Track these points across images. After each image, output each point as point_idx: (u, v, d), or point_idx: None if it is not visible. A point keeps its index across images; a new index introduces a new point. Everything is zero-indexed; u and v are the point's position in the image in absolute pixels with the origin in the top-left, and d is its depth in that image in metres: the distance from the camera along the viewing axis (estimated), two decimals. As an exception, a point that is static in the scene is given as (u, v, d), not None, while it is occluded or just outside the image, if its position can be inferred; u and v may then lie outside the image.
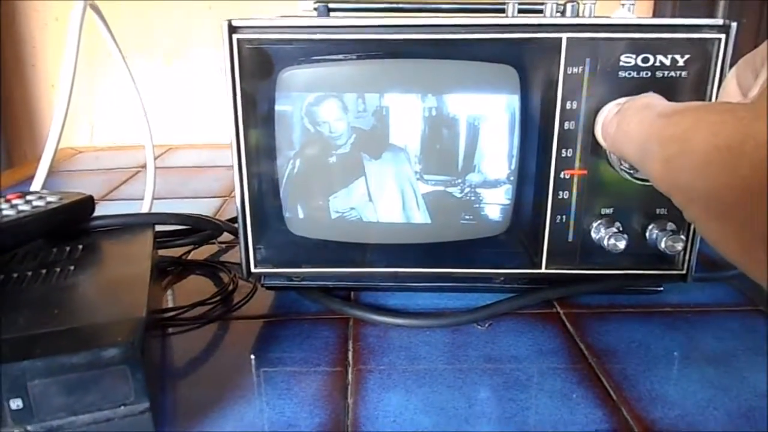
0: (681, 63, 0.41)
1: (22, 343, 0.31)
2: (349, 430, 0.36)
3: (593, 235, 0.44)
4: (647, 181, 0.41)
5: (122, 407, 0.32)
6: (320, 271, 0.48)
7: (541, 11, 0.45)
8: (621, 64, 0.41)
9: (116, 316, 0.35)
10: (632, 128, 0.30)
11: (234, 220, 0.61)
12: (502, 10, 0.46)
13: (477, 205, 0.45)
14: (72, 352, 0.30)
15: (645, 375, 0.41)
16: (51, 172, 0.60)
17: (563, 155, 0.43)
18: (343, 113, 0.43)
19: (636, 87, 0.41)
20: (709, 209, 0.23)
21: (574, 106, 0.42)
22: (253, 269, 0.46)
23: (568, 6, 0.44)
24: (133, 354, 0.31)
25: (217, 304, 0.51)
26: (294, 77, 0.43)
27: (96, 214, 0.53)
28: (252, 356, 0.44)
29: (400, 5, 0.54)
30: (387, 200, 0.45)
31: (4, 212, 0.46)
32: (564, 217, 0.44)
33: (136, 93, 0.69)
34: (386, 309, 0.49)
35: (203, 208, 0.77)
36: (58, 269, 0.42)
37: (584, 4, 0.43)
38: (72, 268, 0.42)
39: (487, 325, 0.48)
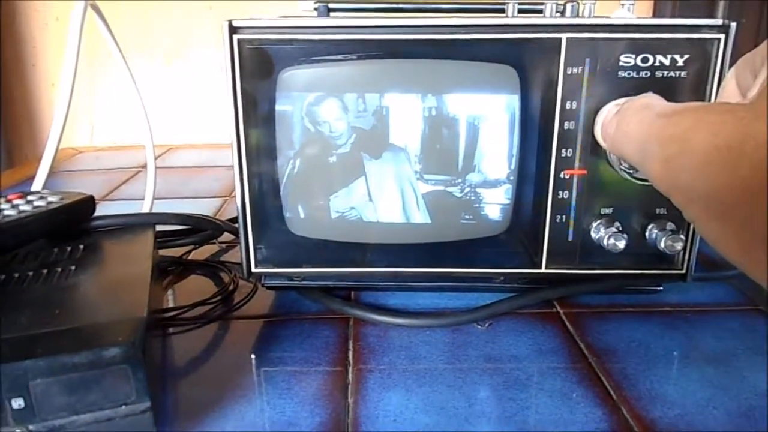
0: (680, 63, 0.41)
1: (24, 343, 0.31)
2: (350, 429, 0.36)
3: (593, 234, 0.44)
4: (647, 180, 0.41)
5: (123, 407, 0.32)
6: (321, 271, 0.48)
7: (541, 11, 0.45)
8: (621, 64, 0.41)
9: (117, 316, 0.35)
10: (632, 128, 0.30)
11: (234, 220, 0.61)
12: (502, 11, 0.46)
13: (477, 205, 0.45)
14: (73, 351, 0.30)
15: (645, 374, 0.41)
16: (51, 172, 0.60)
17: (563, 155, 0.43)
18: (344, 113, 0.43)
19: (635, 87, 0.41)
20: (709, 209, 0.23)
21: (574, 106, 0.42)
22: (253, 269, 0.46)
23: (568, 6, 0.44)
24: (135, 354, 0.31)
25: (217, 303, 0.51)
26: (294, 77, 0.43)
27: (96, 214, 0.53)
28: (252, 356, 0.44)
29: (400, 5, 0.54)
30: (387, 200, 0.45)
31: (6, 212, 0.46)
32: (564, 216, 0.45)
33: (137, 93, 0.69)
34: (386, 309, 0.49)
35: (204, 208, 0.77)
36: (59, 269, 0.42)
37: (584, 4, 0.43)
38: (73, 268, 0.42)
39: (487, 324, 0.48)
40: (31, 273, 0.41)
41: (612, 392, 0.39)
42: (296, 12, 0.51)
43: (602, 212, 0.44)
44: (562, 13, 0.44)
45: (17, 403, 0.30)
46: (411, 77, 0.43)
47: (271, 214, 0.46)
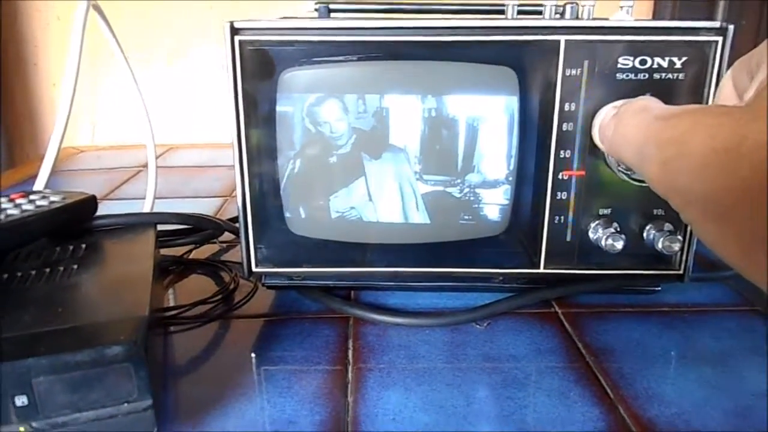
0: (678, 65, 0.41)
1: (27, 341, 0.32)
2: (349, 427, 0.36)
3: (591, 235, 0.45)
4: (645, 182, 0.41)
5: (125, 404, 0.32)
6: (321, 271, 0.48)
7: (540, 12, 0.45)
8: (619, 66, 0.41)
9: (119, 315, 0.36)
10: (629, 131, 0.30)
11: (235, 219, 0.62)
12: (502, 12, 0.46)
13: (476, 206, 0.45)
14: (76, 349, 0.31)
15: (642, 374, 0.42)
16: (53, 171, 0.60)
17: (561, 156, 0.43)
18: (344, 114, 0.43)
19: (634, 89, 0.41)
20: (707, 211, 0.23)
21: (573, 107, 0.42)
22: (254, 268, 0.47)
23: (568, 7, 0.44)
24: (137, 352, 0.31)
25: (218, 303, 0.51)
26: (295, 78, 0.43)
27: (98, 213, 0.53)
28: (253, 355, 0.44)
29: (401, 6, 0.54)
30: (387, 200, 0.45)
31: (9, 212, 0.46)
32: (562, 217, 0.45)
33: (138, 92, 0.69)
34: (386, 308, 0.50)
35: (204, 207, 0.77)
36: (61, 268, 0.42)
37: (583, 5, 0.44)
38: (75, 267, 0.42)
39: (485, 324, 0.48)
40: (33, 272, 0.42)
41: (609, 391, 0.40)
42: (298, 12, 0.51)
43: (600, 213, 0.45)
44: (562, 15, 0.45)
45: (21, 400, 0.30)
46: (411, 78, 0.44)
47: (272, 213, 0.46)
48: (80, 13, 0.59)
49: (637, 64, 0.41)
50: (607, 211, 0.45)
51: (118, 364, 0.31)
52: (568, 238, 0.45)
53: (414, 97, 0.43)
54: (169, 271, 0.58)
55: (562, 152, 0.43)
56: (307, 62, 0.43)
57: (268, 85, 0.43)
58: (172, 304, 0.51)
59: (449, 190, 0.45)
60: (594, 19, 0.44)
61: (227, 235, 0.63)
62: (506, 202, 0.45)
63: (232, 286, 0.54)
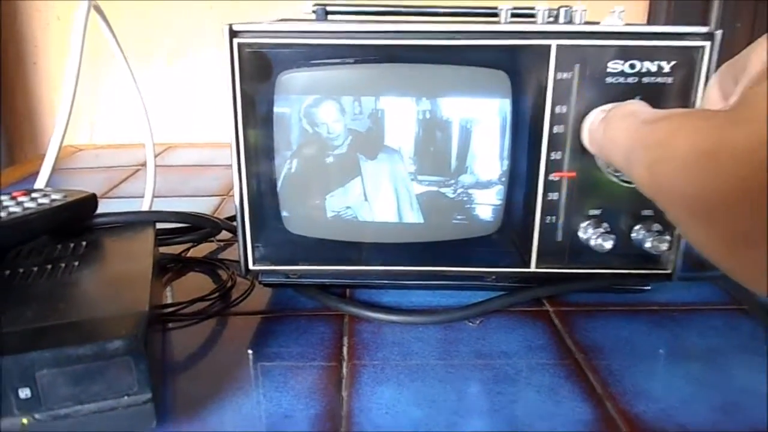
0: (667, 69, 0.42)
1: (31, 335, 0.33)
2: (344, 421, 0.37)
3: (581, 235, 0.46)
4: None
5: (126, 397, 0.33)
6: (317, 269, 0.49)
7: (534, 16, 0.46)
8: (608, 70, 0.42)
9: (120, 310, 0.36)
10: (618, 135, 0.30)
11: (233, 218, 0.62)
12: (497, 15, 0.47)
13: (469, 206, 0.46)
14: (78, 343, 0.31)
15: (630, 371, 0.42)
16: (52, 170, 0.61)
17: (552, 158, 0.44)
18: (340, 115, 0.44)
19: (623, 92, 0.42)
20: (692, 213, 0.23)
21: (564, 110, 0.43)
22: (251, 266, 0.48)
23: (561, 10, 0.45)
24: (137, 346, 0.32)
25: (215, 300, 0.52)
26: (293, 80, 0.44)
27: (98, 212, 0.54)
28: (250, 351, 0.45)
29: (396, 9, 0.55)
30: (382, 200, 0.46)
31: (11, 209, 0.47)
32: (553, 217, 0.46)
33: (137, 92, 0.70)
34: (380, 306, 0.50)
35: (202, 206, 0.78)
36: (63, 265, 0.43)
37: (575, 10, 0.45)
38: (76, 264, 0.43)
39: (478, 322, 0.49)
40: (35, 268, 0.42)
41: (598, 387, 0.41)
42: (298, 14, 0.52)
43: (590, 213, 0.45)
44: (555, 18, 0.46)
45: (24, 392, 0.31)
46: (406, 81, 0.44)
47: (269, 213, 0.47)
48: (80, 13, 0.59)
49: (626, 69, 0.42)
50: (597, 212, 0.45)
51: (119, 358, 0.32)
52: (559, 238, 0.46)
53: (409, 100, 0.44)
54: (167, 268, 0.58)
55: (553, 154, 0.44)
56: (305, 64, 0.44)
57: (266, 86, 0.44)
58: (170, 301, 0.52)
59: (443, 190, 0.46)
60: (585, 23, 0.45)
61: (225, 234, 0.63)
62: (499, 202, 0.46)
63: (229, 284, 0.55)
